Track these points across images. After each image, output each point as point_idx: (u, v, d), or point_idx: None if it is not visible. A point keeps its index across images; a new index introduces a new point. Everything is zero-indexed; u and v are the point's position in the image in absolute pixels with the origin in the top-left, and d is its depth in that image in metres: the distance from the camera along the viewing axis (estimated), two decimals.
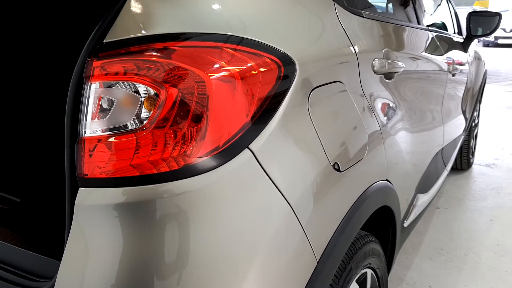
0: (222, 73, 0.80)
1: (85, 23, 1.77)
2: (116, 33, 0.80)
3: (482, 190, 3.35)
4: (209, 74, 0.79)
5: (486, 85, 3.94)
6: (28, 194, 1.61)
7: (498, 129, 5.13)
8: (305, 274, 0.92)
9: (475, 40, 3.48)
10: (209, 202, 0.78)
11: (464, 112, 2.94)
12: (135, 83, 0.77)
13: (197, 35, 0.82)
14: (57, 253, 1.03)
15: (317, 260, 0.94)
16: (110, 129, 0.77)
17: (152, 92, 0.77)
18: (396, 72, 1.47)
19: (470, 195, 3.27)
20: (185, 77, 0.78)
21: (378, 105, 1.34)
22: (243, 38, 0.86)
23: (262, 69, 0.87)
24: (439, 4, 2.92)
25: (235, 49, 0.84)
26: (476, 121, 3.75)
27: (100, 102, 0.78)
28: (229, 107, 0.81)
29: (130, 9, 0.81)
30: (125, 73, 0.77)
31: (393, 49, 1.52)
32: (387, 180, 1.34)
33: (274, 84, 0.89)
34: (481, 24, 3.03)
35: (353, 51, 1.24)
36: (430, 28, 2.23)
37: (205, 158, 0.78)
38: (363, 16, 1.38)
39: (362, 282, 1.27)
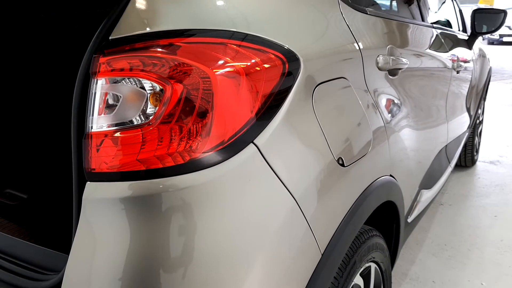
0: (227, 69, 0.81)
1: (88, 21, 1.78)
2: (122, 30, 0.81)
3: (486, 187, 3.34)
4: (214, 70, 0.80)
5: (490, 82, 3.93)
6: (35, 190, 1.63)
7: (503, 126, 5.11)
8: (310, 267, 0.93)
9: (480, 38, 3.47)
10: (215, 196, 0.80)
11: (468, 109, 2.94)
12: (140, 79, 0.78)
13: (202, 32, 0.83)
14: (64, 247, 1.04)
15: (322, 253, 0.96)
16: (117, 124, 0.79)
17: (158, 88, 0.78)
18: (400, 69, 1.47)
19: (474, 192, 3.27)
20: (190, 73, 0.79)
21: (382, 101, 1.34)
22: (247, 34, 0.87)
23: (266, 65, 0.88)
24: (444, 2, 2.91)
25: (239, 45, 0.85)
26: (480, 118, 3.74)
27: (107, 98, 0.79)
28: (234, 103, 0.82)
29: (135, 6, 0.83)
30: (130, 69, 0.78)
31: (397, 46, 1.52)
32: (391, 175, 1.35)
33: (278, 80, 0.90)
34: (486, 21, 3.02)
35: (357, 48, 1.24)
36: (434, 25, 2.23)
37: (210, 153, 0.80)
38: (367, 13, 1.39)
39: (366, 275, 1.28)
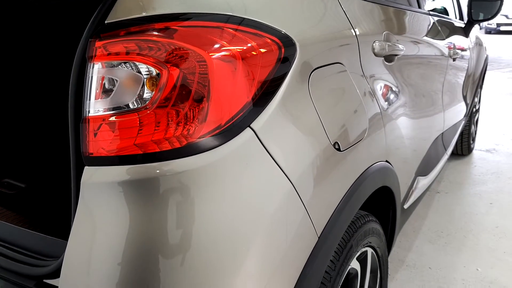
0: (223, 53, 0.82)
1: (84, 6, 1.77)
2: (118, 14, 0.81)
3: (482, 174, 3.36)
4: (210, 54, 0.80)
5: (487, 72, 3.94)
6: (32, 179, 1.64)
7: (499, 115, 5.13)
8: (307, 249, 0.94)
9: (477, 27, 3.46)
10: (212, 179, 0.80)
11: (465, 98, 2.95)
12: (137, 63, 0.78)
13: (198, 15, 0.83)
14: (63, 233, 1.05)
15: (318, 236, 0.97)
16: (114, 109, 0.79)
17: (154, 72, 0.79)
18: (396, 55, 1.48)
19: (470, 180, 3.29)
20: (187, 57, 0.79)
21: (379, 87, 1.35)
22: (244, 19, 0.87)
23: (263, 50, 0.88)
24: None
25: (236, 29, 0.85)
26: (477, 107, 3.76)
27: (103, 82, 0.79)
28: (230, 87, 0.83)
29: None
30: (127, 53, 0.78)
31: (394, 32, 1.52)
32: (387, 161, 1.36)
33: (274, 64, 0.90)
34: (483, 9, 3.02)
35: (354, 34, 1.24)
36: (431, 12, 2.23)
37: (207, 137, 0.80)
38: None
39: (362, 260, 1.29)
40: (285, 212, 0.88)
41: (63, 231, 1.09)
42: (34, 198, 1.52)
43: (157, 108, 0.78)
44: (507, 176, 3.32)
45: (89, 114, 0.79)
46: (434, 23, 2.19)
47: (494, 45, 12.00)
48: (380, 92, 1.35)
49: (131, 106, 0.79)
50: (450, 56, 2.37)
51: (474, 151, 3.86)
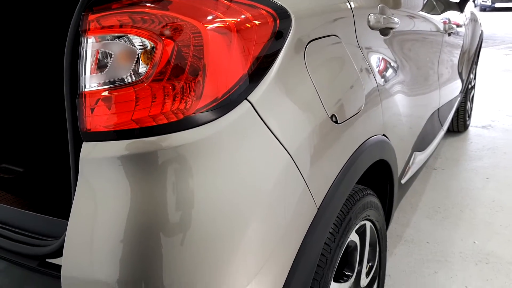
0: (218, 24, 0.81)
1: None
2: None
3: (478, 150, 3.38)
4: (205, 25, 0.79)
5: (483, 49, 3.93)
6: (30, 163, 1.63)
7: (495, 91, 5.14)
8: (306, 221, 0.95)
9: (471, 3, 3.44)
10: (210, 153, 0.80)
11: (460, 74, 2.94)
12: (131, 36, 0.78)
13: None
14: (61, 213, 1.05)
15: (317, 207, 0.97)
16: (110, 83, 0.78)
17: (149, 45, 0.78)
18: (391, 28, 1.47)
19: (467, 156, 3.31)
20: (181, 29, 0.78)
21: (374, 60, 1.34)
22: None
23: (258, 21, 0.87)
24: None
25: (230, 0, 0.84)
26: (472, 83, 3.75)
27: (98, 56, 0.78)
28: (226, 59, 0.82)
29: None
30: (120, 26, 0.77)
31: (389, 6, 1.51)
32: (384, 135, 1.36)
33: (270, 36, 0.90)
34: None
35: (349, 7, 1.24)
36: None
37: (204, 110, 0.80)
38: None
39: (361, 233, 1.31)
40: (284, 184, 0.89)
41: (62, 211, 1.09)
42: (32, 181, 1.52)
43: (153, 82, 0.78)
44: (502, 151, 3.34)
45: (85, 89, 0.79)
46: None
47: (489, 22, 11.94)
48: (376, 65, 1.35)
49: (126, 80, 0.78)
50: (446, 31, 2.36)
51: (470, 128, 3.87)
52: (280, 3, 0.93)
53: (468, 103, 3.64)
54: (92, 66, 0.78)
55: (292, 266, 0.91)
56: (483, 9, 17.20)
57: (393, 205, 1.64)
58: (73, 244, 0.82)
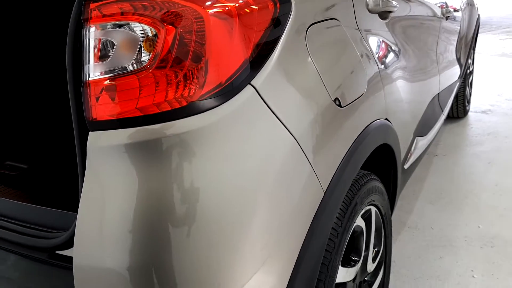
0: (220, 9, 0.81)
1: None
2: None
3: (479, 135, 3.39)
4: (207, 10, 0.79)
5: (479, 34, 3.92)
6: (34, 159, 1.62)
7: (493, 76, 5.13)
8: (313, 205, 0.95)
9: None
10: (215, 139, 0.80)
11: (458, 59, 2.94)
12: (132, 24, 0.77)
13: None
14: (67, 206, 1.05)
15: (324, 191, 0.97)
16: (113, 71, 0.78)
17: (151, 32, 0.77)
18: (390, 12, 1.46)
19: (468, 141, 3.31)
20: (183, 14, 0.78)
21: (375, 43, 1.34)
22: None
23: (258, 5, 0.87)
24: None
25: None
26: (471, 68, 3.75)
27: (101, 45, 0.78)
28: (228, 44, 0.82)
29: None
30: (122, 14, 0.77)
31: None
32: (386, 119, 1.36)
33: (271, 20, 0.90)
34: None
35: None
36: None
37: (208, 96, 0.80)
38: None
39: (367, 218, 1.31)
40: (291, 168, 0.89)
41: (66, 205, 1.09)
42: (37, 177, 1.51)
43: (156, 69, 0.78)
44: (503, 135, 3.35)
45: (89, 78, 0.79)
46: None
47: (484, 6, 11.92)
48: (377, 49, 1.35)
49: (129, 68, 0.78)
50: (443, 15, 2.35)
51: (469, 113, 3.87)
52: None
53: (467, 89, 3.64)
54: (95, 54, 0.78)
55: (301, 251, 0.91)
56: None
57: (397, 191, 1.64)
58: (83, 233, 0.82)
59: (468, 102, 3.79)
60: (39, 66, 1.94)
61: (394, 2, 1.47)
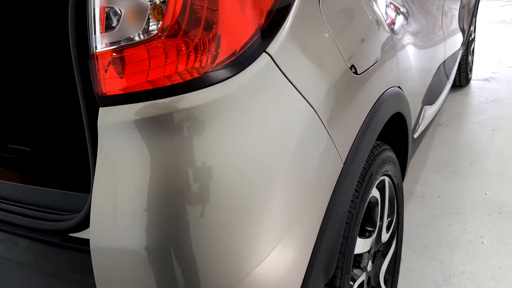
0: None
1: None
2: None
3: (482, 103, 3.36)
4: None
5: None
6: (37, 142, 1.58)
7: (493, 43, 5.07)
8: (333, 177, 0.92)
9: None
10: (231, 111, 0.76)
11: (461, 26, 2.88)
12: None
13: None
14: (75, 187, 1.02)
15: (343, 162, 0.94)
16: (121, 42, 0.73)
17: None
18: None
19: (471, 110, 3.28)
20: None
21: (384, 8, 1.29)
22: None
23: None
24: None
25: None
26: (472, 36, 3.69)
27: (107, 14, 0.73)
28: (241, 9, 0.77)
29: None
30: None
31: None
32: (399, 87, 1.33)
33: None
34: None
35: None
36: None
37: (222, 65, 0.75)
38: None
39: (381, 188, 1.29)
40: (310, 139, 0.85)
41: (73, 185, 1.06)
42: (40, 159, 1.47)
43: (166, 38, 0.73)
44: (506, 102, 3.32)
45: (97, 50, 0.74)
46: None
47: None
48: (387, 13, 1.29)
49: (139, 38, 0.73)
50: None
51: (471, 82, 3.83)
52: None
53: (469, 56, 3.58)
54: (101, 25, 0.73)
55: (322, 223, 0.89)
56: None
57: (408, 160, 1.62)
58: (99, 215, 0.79)
59: (470, 70, 3.74)
60: (41, 43, 1.86)
61: None
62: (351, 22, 1.06)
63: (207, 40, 0.74)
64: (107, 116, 0.76)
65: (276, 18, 0.82)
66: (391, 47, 1.26)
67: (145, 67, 0.73)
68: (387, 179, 1.34)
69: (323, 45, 0.92)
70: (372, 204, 1.24)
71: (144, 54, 0.73)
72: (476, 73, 4.00)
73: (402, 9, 1.47)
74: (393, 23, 1.33)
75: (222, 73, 0.75)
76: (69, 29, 0.76)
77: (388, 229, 1.41)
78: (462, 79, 3.58)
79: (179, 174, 0.74)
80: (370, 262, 1.29)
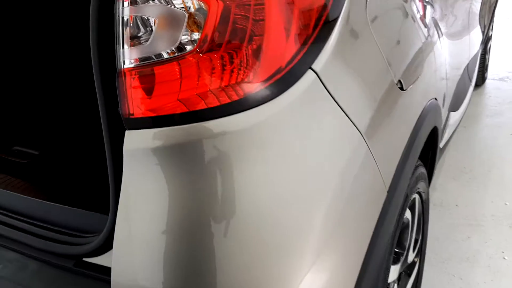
0: None
1: None
2: None
3: (498, 105, 3.26)
4: None
5: None
6: (46, 145, 1.44)
7: (509, 41, 4.94)
8: (377, 209, 0.83)
9: None
10: (274, 136, 0.67)
11: (482, 23, 2.76)
12: None
13: None
14: (88, 204, 0.94)
15: (387, 191, 0.85)
16: (153, 57, 0.63)
17: (199, 7, 0.62)
18: None
19: (487, 111, 3.18)
20: None
21: (425, 14, 1.18)
22: None
23: None
24: None
25: None
26: (490, 33, 3.57)
27: (137, 24, 0.63)
28: (287, 20, 0.67)
29: None
30: None
31: None
32: (435, 99, 1.23)
33: None
34: None
35: None
36: None
37: (267, 84, 0.66)
38: None
39: (412, 207, 1.20)
40: (356, 166, 0.76)
41: (87, 201, 0.97)
42: (50, 166, 1.35)
43: (205, 53, 0.63)
44: None
45: (125, 66, 0.64)
46: None
47: None
48: (430, 25, 1.19)
49: (172, 53, 0.63)
50: None
51: (487, 81, 3.72)
52: None
53: (486, 54, 3.47)
54: (131, 36, 0.63)
55: (365, 258, 0.80)
56: None
57: (433, 173, 1.53)
58: (123, 249, 0.70)
59: (486, 69, 3.63)
60: (52, 42, 1.74)
61: None
62: (397, 29, 0.96)
63: (251, 54, 0.64)
64: (134, 140, 0.66)
65: (322, 31, 0.72)
66: (432, 56, 1.16)
67: (178, 87, 0.64)
68: (417, 197, 1.26)
69: (370, 58, 0.83)
70: (403, 226, 1.16)
71: (179, 71, 0.63)
72: (491, 72, 3.89)
73: (437, 10, 1.36)
74: (433, 34, 1.23)
75: (265, 93, 0.66)
76: (90, 39, 0.66)
77: (414, 248, 1.32)
78: (478, 78, 3.46)
79: (216, 206, 0.65)
80: (396, 285, 1.21)
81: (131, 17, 0.62)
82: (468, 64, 2.20)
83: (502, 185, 2.26)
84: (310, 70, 0.70)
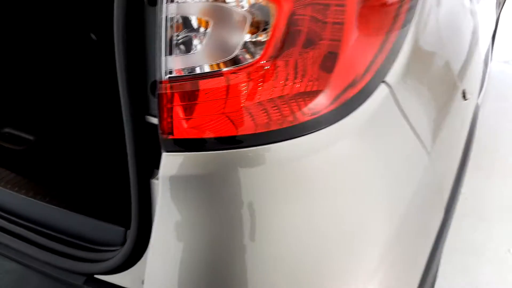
0: None
1: None
2: None
3: (502, 89, 3.19)
4: None
5: None
6: (43, 129, 1.23)
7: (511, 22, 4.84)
8: (435, 230, 0.75)
9: None
10: (342, 162, 0.56)
11: (497, 12, 2.65)
12: None
13: None
14: (93, 208, 0.83)
15: (444, 212, 0.77)
16: (203, 66, 0.52)
17: (263, 7, 0.50)
18: None
19: (491, 96, 3.12)
20: None
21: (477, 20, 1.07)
22: None
23: None
24: None
25: None
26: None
27: (185, 27, 0.50)
28: (366, 23, 0.55)
29: None
30: None
31: None
32: (477, 103, 1.14)
33: None
34: None
35: None
36: None
37: (340, 101, 0.54)
38: None
39: None
40: (423, 194, 0.67)
41: (95, 205, 0.87)
42: (48, 154, 1.17)
43: (273, 61, 0.51)
44: None
45: (166, 77, 0.52)
46: None
47: None
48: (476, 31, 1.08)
49: (227, 63, 0.51)
50: None
51: (491, 63, 3.64)
52: None
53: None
54: (178, 42, 0.51)
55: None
56: None
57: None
58: (155, 274, 0.61)
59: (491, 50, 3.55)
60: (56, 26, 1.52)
61: None
62: (459, 31, 0.84)
63: (328, 64, 0.53)
64: (174, 164, 0.55)
65: (399, 40, 0.61)
66: (478, 57, 1.05)
67: (230, 105, 0.52)
68: None
69: (438, 66, 0.72)
70: None
71: (234, 87, 0.52)
72: (495, 54, 3.80)
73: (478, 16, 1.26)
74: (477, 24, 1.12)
75: (337, 112, 0.55)
76: (115, 44, 0.53)
77: None
78: None
79: (271, 243, 0.56)
80: None
81: (183, 18, 0.50)
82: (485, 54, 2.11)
83: (510, 177, 2.22)
84: (383, 84, 0.59)
